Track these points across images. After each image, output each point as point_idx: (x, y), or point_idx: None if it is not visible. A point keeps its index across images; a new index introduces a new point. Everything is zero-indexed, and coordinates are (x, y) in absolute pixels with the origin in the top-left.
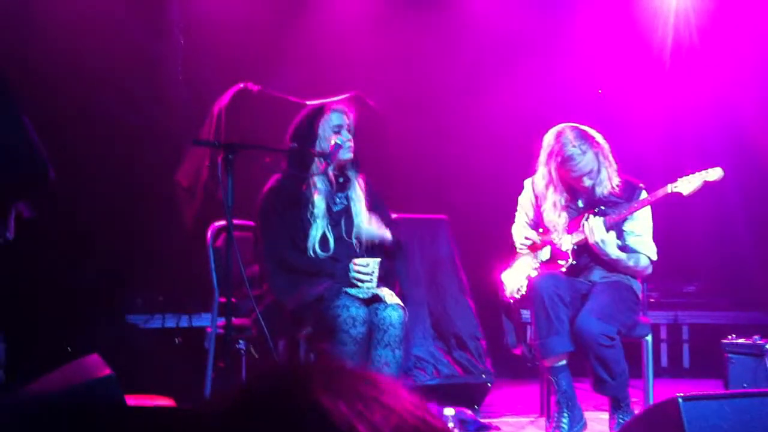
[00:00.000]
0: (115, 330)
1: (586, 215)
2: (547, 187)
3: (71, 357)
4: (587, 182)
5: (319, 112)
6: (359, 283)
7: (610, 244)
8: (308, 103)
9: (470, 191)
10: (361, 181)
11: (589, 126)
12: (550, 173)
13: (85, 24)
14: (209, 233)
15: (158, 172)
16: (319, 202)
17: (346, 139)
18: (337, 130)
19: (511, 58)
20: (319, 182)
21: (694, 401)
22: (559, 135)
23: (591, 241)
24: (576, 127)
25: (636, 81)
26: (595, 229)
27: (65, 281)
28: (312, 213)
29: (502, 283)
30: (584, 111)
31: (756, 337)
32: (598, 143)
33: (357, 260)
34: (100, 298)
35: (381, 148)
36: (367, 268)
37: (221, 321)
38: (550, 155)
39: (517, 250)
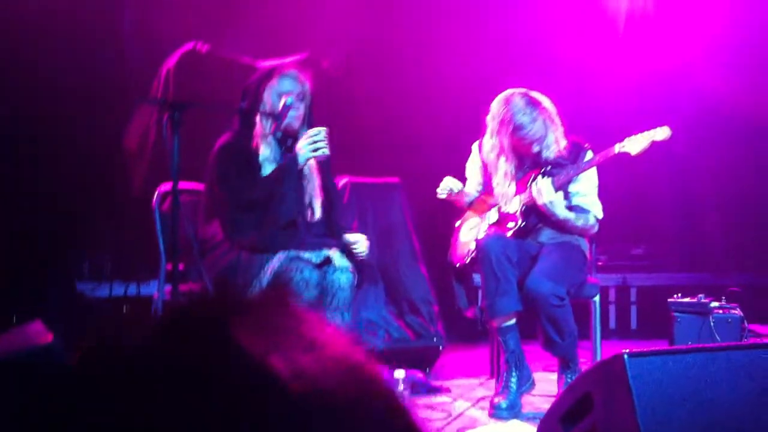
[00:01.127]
0: (64, 298)
1: (532, 176)
2: (498, 156)
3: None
4: (536, 148)
5: (267, 75)
6: (313, 148)
7: (558, 204)
8: (260, 64)
9: (423, 155)
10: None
11: (536, 90)
12: (501, 143)
13: None
14: (155, 197)
15: (109, 132)
16: (266, 164)
17: (294, 105)
18: (287, 95)
19: (467, 21)
20: (263, 144)
21: (640, 357)
22: (507, 102)
23: (539, 202)
24: (525, 94)
25: (590, 42)
26: (543, 190)
27: (12, 245)
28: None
29: (452, 246)
30: (538, 74)
31: (701, 296)
32: (545, 108)
33: (349, 238)
34: (47, 261)
35: (333, 110)
36: (357, 245)
37: (169, 287)
38: (501, 124)
39: (438, 195)
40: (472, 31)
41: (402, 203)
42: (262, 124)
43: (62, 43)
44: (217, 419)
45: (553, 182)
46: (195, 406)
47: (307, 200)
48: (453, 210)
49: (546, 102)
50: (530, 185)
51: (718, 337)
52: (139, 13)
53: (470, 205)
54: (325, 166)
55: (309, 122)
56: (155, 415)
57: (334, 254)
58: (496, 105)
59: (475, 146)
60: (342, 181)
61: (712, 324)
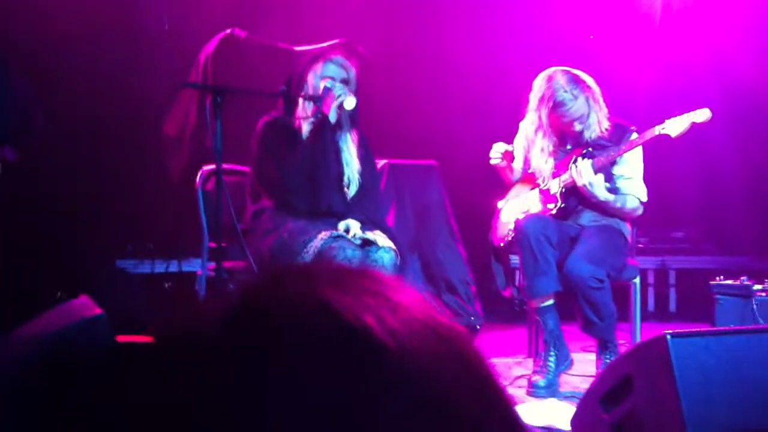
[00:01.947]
0: (105, 275)
1: (573, 158)
2: (536, 132)
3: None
4: (578, 127)
5: (314, 59)
6: (337, 101)
7: (598, 186)
8: (297, 49)
9: (460, 137)
10: (354, 135)
11: (580, 70)
12: (540, 118)
13: None
14: (199, 176)
15: (146, 122)
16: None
17: (339, 88)
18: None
19: (503, 5)
20: (305, 125)
21: (683, 338)
22: (550, 79)
23: (579, 183)
24: (567, 71)
25: (628, 27)
26: (582, 171)
27: (54, 229)
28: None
29: (493, 226)
30: (575, 57)
31: (743, 278)
32: (589, 87)
33: (341, 225)
34: (90, 245)
35: (370, 94)
36: (335, 88)
37: (212, 265)
38: (541, 100)
39: (492, 161)
40: (514, 12)
41: (439, 184)
42: (303, 106)
43: (101, 37)
44: (325, 384)
45: (593, 164)
46: (302, 372)
47: (345, 179)
48: (492, 191)
49: (590, 81)
50: (570, 166)
51: (760, 320)
52: (174, 4)
53: (517, 182)
54: (364, 147)
55: (353, 116)
56: (259, 386)
57: (377, 235)
58: (538, 81)
59: (521, 124)
60: (380, 163)
61: (754, 306)
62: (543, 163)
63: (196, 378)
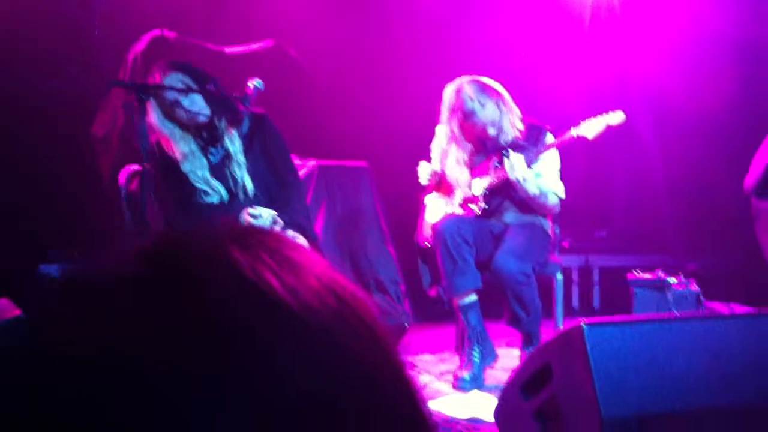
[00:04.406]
0: (28, 281)
1: (495, 159)
2: (449, 143)
3: None
4: (491, 131)
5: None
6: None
7: (530, 181)
8: (227, 50)
9: (390, 137)
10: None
11: (502, 77)
12: (452, 130)
13: None
14: (122, 176)
15: (78, 128)
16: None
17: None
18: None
19: (436, 5)
20: (181, 142)
21: (598, 327)
22: (458, 91)
23: (512, 177)
24: (473, 80)
25: (555, 33)
26: (516, 165)
27: None
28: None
29: (418, 227)
30: (502, 61)
31: (659, 271)
32: (497, 92)
33: (250, 210)
34: (12, 249)
35: (301, 96)
36: (258, 219)
37: None
38: (451, 112)
39: (421, 182)
40: (447, 11)
41: (370, 186)
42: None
43: (36, 46)
44: (226, 341)
45: (525, 158)
46: (202, 333)
47: (239, 182)
48: (421, 192)
49: (497, 87)
50: (493, 167)
51: (675, 312)
52: (108, 3)
53: (437, 186)
54: (281, 150)
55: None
56: (155, 337)
57: (289, 234)
58: (446, 93)
59: (437, 129)
60: (309, 164)
61: (670, 299)
62: (458, 173)
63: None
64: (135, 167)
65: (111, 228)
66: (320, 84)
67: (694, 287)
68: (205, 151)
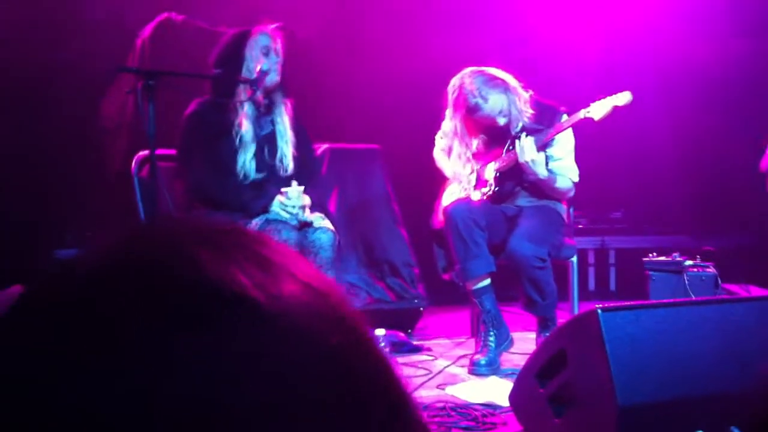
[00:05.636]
0: (44, 266)
1: (508, 143)
2: (452, 138)
3: None
4: (501, 121)
5: (246, 34)
6: (286, 215)
7: (540, 164)
8: (234, 33)
9: (403, 121)
10: (288, 104)
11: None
12: (455, 127)
13: None
14: (134, 163)
15: (84, 106)
16: (246, 126)
17: (273, 62)
18: (266, 52)
19: None
20: (246, 107)
21: (613, 312)
22: (460, 87)
23: (521, 160)
24: (476, 73)
25: (567, 14)
26: (526, 148)
27: None
28: (241, 138)
29: (435, 210)
30: (513, 47)
31: (675, 254)
32: (502, 80)
33: (280, 198)
34: (28, 235)
35: (312, 79)
36: (291, 201)
37: None
38: (455, 108)
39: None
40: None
41: (382, 169)
42: (238, 91)
43: (34, 19)
44: (194, 344)
45: (535, 141)
46: (168, 333)
47: (278, 155)
48: (433, 175)
49: (501, 74)
50: (506, 150)
51: (692, 295)
52: None
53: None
54: (302, 129)
55: (283, 88)
56: (125, 347)
57: (314, 216)
58: (450, 88)
59: (443, 123)
60: (322, 148)
61: (686, 282)
62: (461, 168)
63: (52, 336)
64: (145, 153)
65: (124, 212)
66: (330, 67)
67: (711, 270)
68: (257, 121)
